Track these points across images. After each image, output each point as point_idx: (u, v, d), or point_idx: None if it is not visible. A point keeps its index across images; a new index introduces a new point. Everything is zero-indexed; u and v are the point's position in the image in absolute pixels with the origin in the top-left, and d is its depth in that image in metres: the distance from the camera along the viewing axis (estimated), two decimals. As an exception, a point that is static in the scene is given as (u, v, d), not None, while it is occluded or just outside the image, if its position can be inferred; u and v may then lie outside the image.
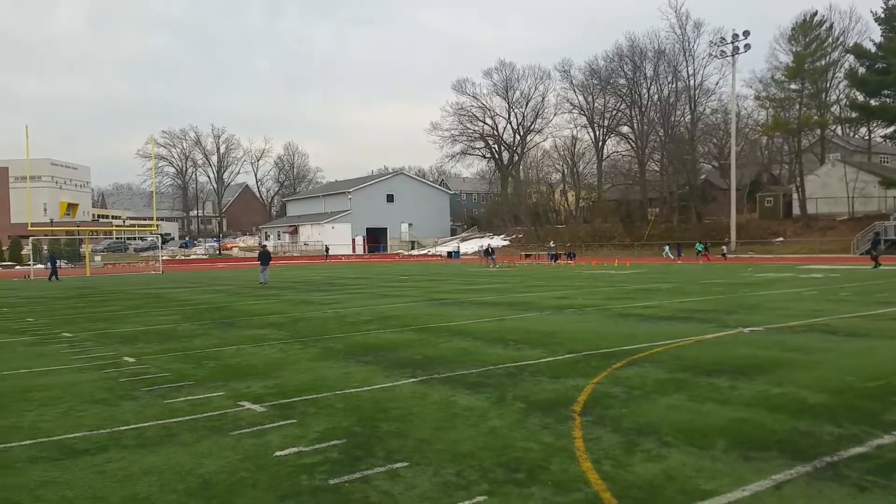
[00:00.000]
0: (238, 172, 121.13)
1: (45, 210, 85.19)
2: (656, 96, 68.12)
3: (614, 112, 73.95)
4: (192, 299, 20.96)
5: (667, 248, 50.55)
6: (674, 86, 65.90)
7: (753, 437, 5.33)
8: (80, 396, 7.36)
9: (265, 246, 37.63)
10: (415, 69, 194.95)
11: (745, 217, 59.57)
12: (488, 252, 44.95)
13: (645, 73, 68.10)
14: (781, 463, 4.71)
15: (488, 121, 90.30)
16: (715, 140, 69.74)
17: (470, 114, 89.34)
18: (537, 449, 5.12)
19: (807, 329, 11.23)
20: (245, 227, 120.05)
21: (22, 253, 67.76)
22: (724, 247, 48.56)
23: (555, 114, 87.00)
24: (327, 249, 71.37)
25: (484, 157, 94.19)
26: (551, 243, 60.77)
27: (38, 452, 5.39)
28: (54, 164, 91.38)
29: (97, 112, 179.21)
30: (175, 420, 6.27)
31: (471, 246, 75.74)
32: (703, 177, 70.52)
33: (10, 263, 65.60)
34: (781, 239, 53.34)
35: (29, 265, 61.49)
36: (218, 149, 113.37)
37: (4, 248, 68.07)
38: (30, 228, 46.40)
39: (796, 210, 56.86)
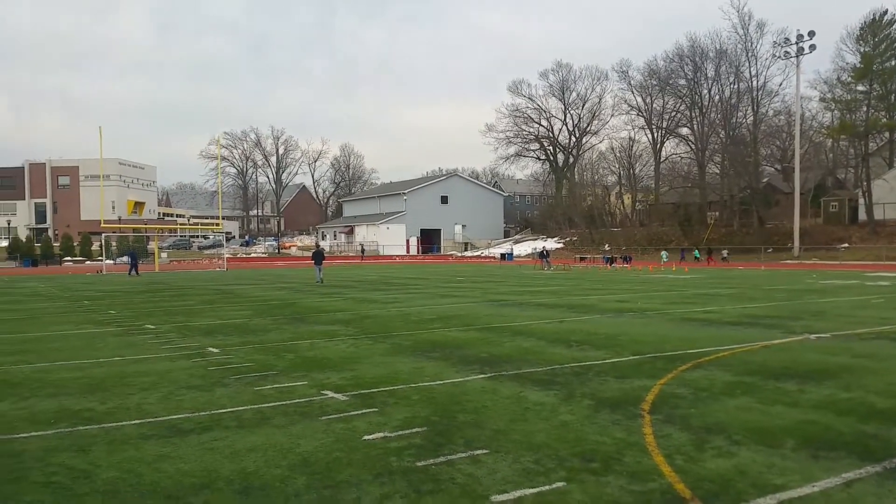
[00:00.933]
0: (296, 173, 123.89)
1: (113, 208, 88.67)
2: (717, 97, 66.85)
3: (673, 113, 72.94)
4: (260, 296, 21.78)
5: (664, 253, 50.36)
6: (735, 87, 64.52)
7: (822, 438, 5.48)
8: (176, 382, 7.95)
9: (319, 246, 38.87)
10: (467, 70, 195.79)
11: (809, 222, 57.93)
12: (543, 254, 44.98)
13: (706, 74, 66.93)
14: (850, 463, 4.87)
15: (543, 122, 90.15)
16: (778, 143, 68.08)
17: (525, 115, 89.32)
18: (609, 443, 5.40)
19: (875, 336, 11.12)
20: (302, 226, 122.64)
21: (92, 249, 70.97)
22: (724, 251, 49.13)
23: (612, 115, 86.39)
24: (363, 249, 72.80)
25: (538, 158, 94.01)
26: (606, 246, 60.35)
27: (149, 431, 5.93)
28: (122, 163, 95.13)
29: (159, 113, 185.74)
30: (267, 405, 6.76)
31: (524, 248, 75.72)
32: (765, 180, 68.85)
33: (80, 259, 68.81)
34: (846, 245, 51.67)
35: (99, 260, 64.43)
36: (277, 150, 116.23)
37: (76, 243, 71.39)
38: (102, 225, 48.56)
39: (862, 215, 54.99)
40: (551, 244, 70.67)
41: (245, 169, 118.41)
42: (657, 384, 7.47)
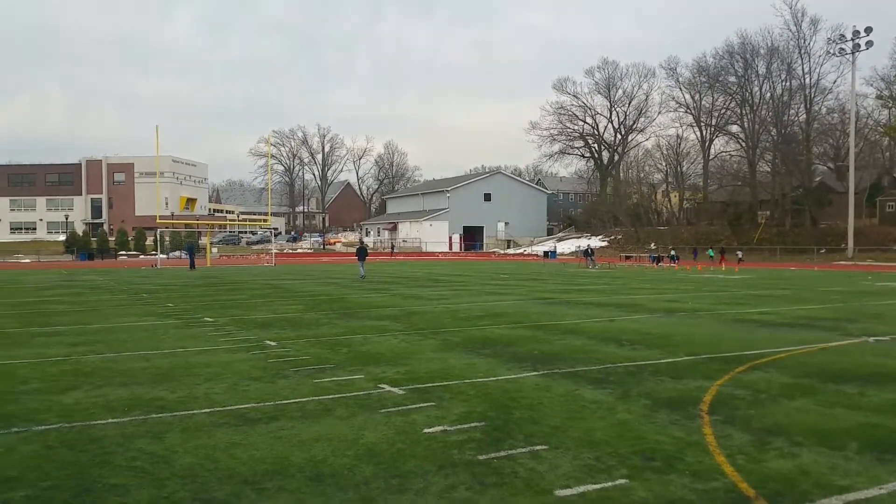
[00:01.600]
0: (341, 170, 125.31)
1: (166, 204, 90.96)
2: (768, 94, 65.26)
3: (723, 110, 71.48)
4: (310, 291, 22.19)
5: (672, 252, 49.58)
6: (787, 84, 62.92)
7: (887, 440, 5.42)
8: (239, 373, 8.23)
9: (363, 242, 39.51)
10: (510, 69, 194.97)
11: (864, 222, 56.20)
12: (588, 253, 44.65)
13: (757, 71, 65.41)
14: (918, 467, 4.81)
15: (589, 120, 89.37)
16: (831, 141, 66.08)
17: (570, 113, 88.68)
18: (669, 442, 5.43)
19: (939, 341, 10.83)
20: (346, 223, 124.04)
21: (146, 243, 73.08)
22: (739, 252, 47.99)
23: (659, 112, 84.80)
24: (393, 246, 73.36)
25: (583, 156, 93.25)
26: (652, 245, 59.50)
27: (219, 419, 6.18)
28: (176, 161, 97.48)
29: (210, 112, 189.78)
30: (327, 397, 6.96)
31: (567, 246, 75.19)
32: (818, 179, 66.98)
33: (134, 253, 70.89)
34: (904, 246, 50.00)
35: (153, 255, 66.27)
36: (323, 147, 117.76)
37: (130, 238, 73.56)
38: (158, 221, 49.96)
39: (921, 216, 53.14)
40: (595, 242, 70.03)
41: (292, 166, 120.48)
42: (714, 385, 7.44)
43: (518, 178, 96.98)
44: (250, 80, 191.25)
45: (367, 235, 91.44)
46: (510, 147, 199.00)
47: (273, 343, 10.65)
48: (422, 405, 6.61)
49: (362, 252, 30.87)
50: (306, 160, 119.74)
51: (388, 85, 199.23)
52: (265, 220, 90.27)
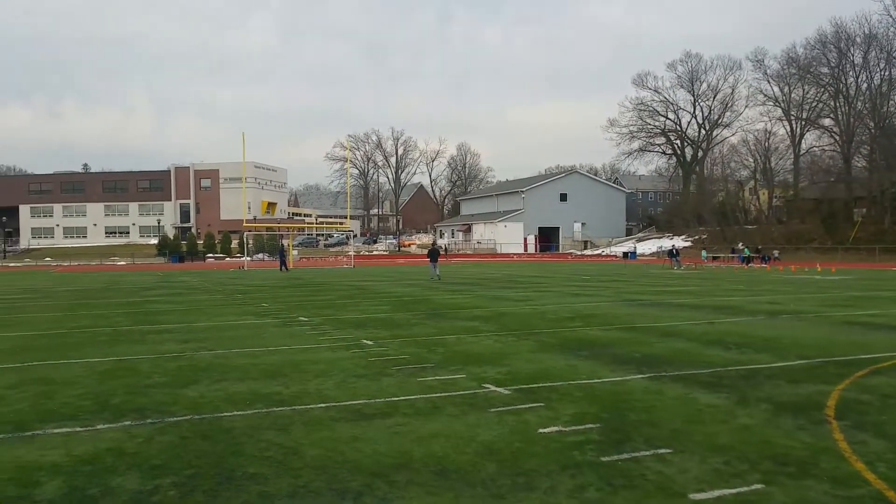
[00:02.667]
0: (414, 173, 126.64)
1: (249, 208, 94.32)
2: (865, 85, 62.07)
3: (814, 103, 68.26)
4: (393, 292, 22.51)
5: (703, 251, 47.11)
6: (887, 74, 59.59)
7: None
8: (345, 371, 8.43)
9: (436, 244, 40.06)
10: (582, 66, 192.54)
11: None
12: (672, 253, 43.51)
13: (852, 61, 62.24)
14: None
15: (671, 115, 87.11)
16: (936, 133, 62.08)
17: (651, 109, 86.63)
18: (800, 447, 5.22)
19: None
20: (419, 225, 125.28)
21: (231, 246, 75.95)
22: (775, 251, 47.56)
23: (745, 106, 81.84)
24: (445, 248, 73.83)
25: (664, 153, 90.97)
26: (739, 245, 57.38)
27: (336, 414, 6.35)
28: (258, 166, 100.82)
29: (284, 118, 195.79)
30: (435, 395, 7.04)
31: (648, 246, 73.47)
32: (920, 174, 63.02)
33: (221, 255, 73.80)
34: None
35: (238, 257, 68.76)
36: (396, 150, 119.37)
37: (217, 241, 76.60)
38: (245, 224, 51.83)
39: None
40: (678, 242, 68.15)
41: (366, 169, 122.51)
42: (835, 390, 7.11)
43: (595, 178, 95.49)
44: (322, 86, 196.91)
45: (441, 237, 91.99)
46: (582, 146, 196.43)
47: (370, 342, 10.86)
48: (531, 405, 6.59)
49: (434, 254, 31.26)
50: (380, 163, 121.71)
51: (457, 86, 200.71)
52: (341, 223, 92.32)
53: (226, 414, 6.35)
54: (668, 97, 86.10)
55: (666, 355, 9.49)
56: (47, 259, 74.13)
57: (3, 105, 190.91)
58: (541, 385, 7.54)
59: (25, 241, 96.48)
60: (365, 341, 10.97)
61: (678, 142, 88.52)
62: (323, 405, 6.68)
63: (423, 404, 6.68)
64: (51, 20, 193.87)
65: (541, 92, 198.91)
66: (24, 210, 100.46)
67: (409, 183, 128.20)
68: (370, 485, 4.47)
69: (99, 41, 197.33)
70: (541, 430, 5.74)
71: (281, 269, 40.91)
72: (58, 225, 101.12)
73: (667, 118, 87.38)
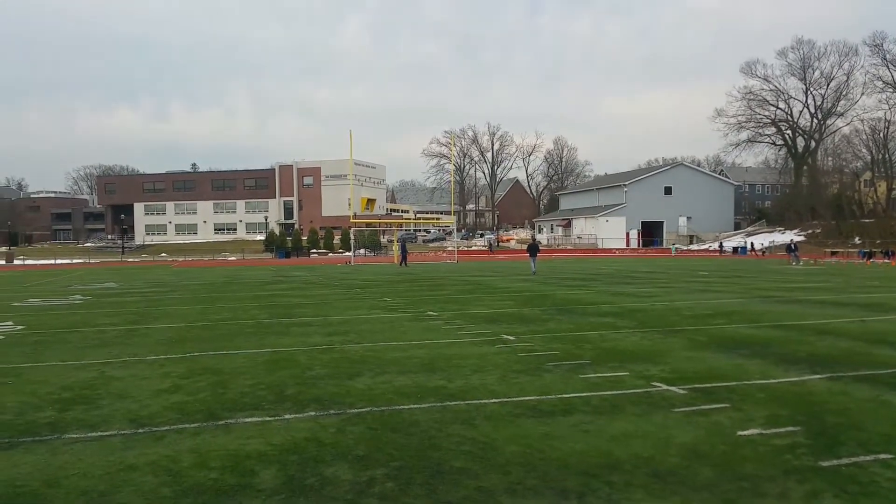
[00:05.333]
0: (510, 168, 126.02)
1: (349, 204, 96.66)
2: None
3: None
4: (509, 287, 22.35)
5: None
6: None
7: None
8: (500, 366, 8.35)
9: (535, 239, 40.02)
10: (679, 56, 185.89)
11: None
12: (791, 248, 41.24)
13: None
14: None
15: (781, 105, 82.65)
16: None
17: (760, 98, 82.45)
18: None
19: None
20: (515, 220, 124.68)
21: (333, 242, 78.11)
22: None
23: (862, 94, 76.55)
24: (490, 244, 73.45)
25: (774, 143, 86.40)
26: (856, 239, 53.73)
27: (512, 409, 6.26)
28: (357, 163, 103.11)
29: (380, 115, 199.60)
30: (606, 393, 6.83)
31: (758, 241, 70.10)
32: None
33: (324, 251, 76.02)
34: None
35: (340, 252, 70.62)
36: (492, 145, 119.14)
37: (320, 237, 78.95)
38: (352, 221, 53.22)
39: None
40: (790, 237, 64.58)
41: (462, 165, 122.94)
42: None
43: (701, 170, 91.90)
44: (415, 83, 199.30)
45: (539, 232, 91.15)
46: (682, 137, 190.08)
47: (511, 337, 10.74)
48: (715, 406, 6.27)
49: (534, 248, 31.71)
50: (476, 158, 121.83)
51: (549, 79, 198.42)
52: (438, 219, 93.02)
53: (403, 407, 6.38)
54: (778, 86, 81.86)
55: (833, 354, 8.89)
56: (162, 254, 78.60)
57: (114, 108, 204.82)
58: (715, 385, 7.18)
59: (140, 237, 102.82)
60: (505, 336, 10.87)
61: (789, 132, 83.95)
62: (496, 400, 6.60)
63: (598, 402, 6.48)
64: (158, 26, 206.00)
65: (636, 83, 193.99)
66: (139, 208, 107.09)
67: (504, 178, 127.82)
68: (588, 485, 4.34)
69: (203, 45, 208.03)
70: (740, 433, 5.43)
71: (401, 264, 41.72)
72: (170, 222, 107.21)
73: (777, 107, 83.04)
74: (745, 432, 5.45)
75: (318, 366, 8.54)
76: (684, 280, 25.17)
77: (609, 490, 4.25)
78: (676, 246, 68.79)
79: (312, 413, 6.22)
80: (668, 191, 79.69)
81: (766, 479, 4.40)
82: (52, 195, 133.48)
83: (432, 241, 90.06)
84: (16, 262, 64.95)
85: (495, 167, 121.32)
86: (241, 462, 4.88)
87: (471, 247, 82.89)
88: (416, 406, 6.41)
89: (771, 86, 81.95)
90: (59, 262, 64.13)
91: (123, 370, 8.51)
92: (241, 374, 8.07)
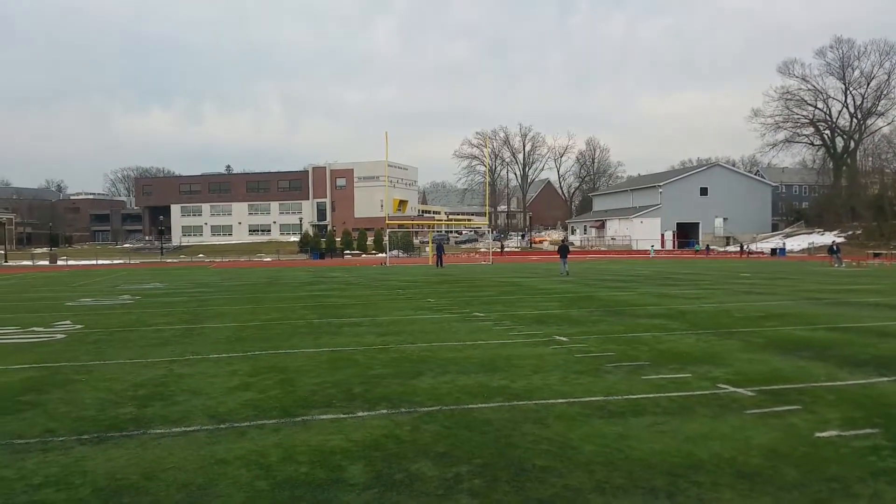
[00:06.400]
0: (542, 168, 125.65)
1: (381, 206, 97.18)
2: None
3: None
4: (550, 288, 22.32)
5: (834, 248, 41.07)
6: None
7: None
8: (559, 367, 8.39)
9: (565, 240, 40.05)
10: (713, 56, 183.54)
11: None
12: (833, 249, 40.49)
13: None
14: None
15: (819, 104, 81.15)
16: None
17: (797, 98, 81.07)
18: None
19: None
20: (546, 221, 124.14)
21: (366, 243, 78.66)
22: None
23: (904, 91, 74.84)
24: (502, 246, 74.20)
25: (812, 144, 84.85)
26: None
27: (580, 410, 6.30)
28: (390, 165, 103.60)
29: (409, 117, 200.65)
30: (674, 395, 6.84)
31: (797, 242, 68.95)
32: None
33: (357, 252, 76.57)
34: None
35: (373, 253, 71.11)
36: (524, 146, 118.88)
37: (353, 238, 79.55)
38: (387, 222, 53.63)
39: None
40: (830, 238, 63.30)
41: (494, 166, 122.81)
42: None
43: (738, 171, 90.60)
44: (444, 85, 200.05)
45: (572, 233, 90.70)
46: (715, 137, 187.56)
47: (564, 339, 10.76)
48: (787, 408, 6.25)
49: (564, 250, 32.01)
50: (507, 159, 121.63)
51: (581, 80, 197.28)
52: (469, 220, 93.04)
53: (472, 406, 6.47)
54: (816, 85, 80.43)
55: (899, 358, 8.76)
56: (200, 255, 79.86)
57: (148, 110, 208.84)
58: (782, 387, 7.14)
59: (177, 238, 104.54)
60: (558, 337, 10.89)
61: (828, 132, 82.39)
62: (562, 400, 6.65)
63: (667, 404, 6.49)
64: (191, 28, 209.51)
65: (669, 83, 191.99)
66: (176, 209, 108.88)
67: (536, 179, 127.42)
68: (675, 484, 4.37)
69: (235, 48, 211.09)
70: (818, 435, 5.41)
71: (438, 264, 41.97)
72: (206, 223, 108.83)
73: (815, 107, 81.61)
74: (823, 434, 5.43)
75: (379, 365, 8.66)
76: (727, 281, 24.88)
77: (698, 490, 4.28)
78: (654, 247, 68.55)
79: (384, 411, 6.33)
80: (703, 191, 78.71)
81: (855, 481, 4.39)
82: (91, 197, 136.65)
83: (464, 242, 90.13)
84: (59, 262, 66.60)
85: (527, 168, 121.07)
86: (327, 457, 5.01)
87: (503, 248, 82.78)
88: (484, 405, 6.49)
89: (809, 85, 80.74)
90: (100, 262, 65.58)
91: (190, 368, 8.74)
92: (306, 373, 8.23)
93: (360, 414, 6.26)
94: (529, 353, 9.39)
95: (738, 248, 66.16)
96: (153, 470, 4.81)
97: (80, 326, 13.55)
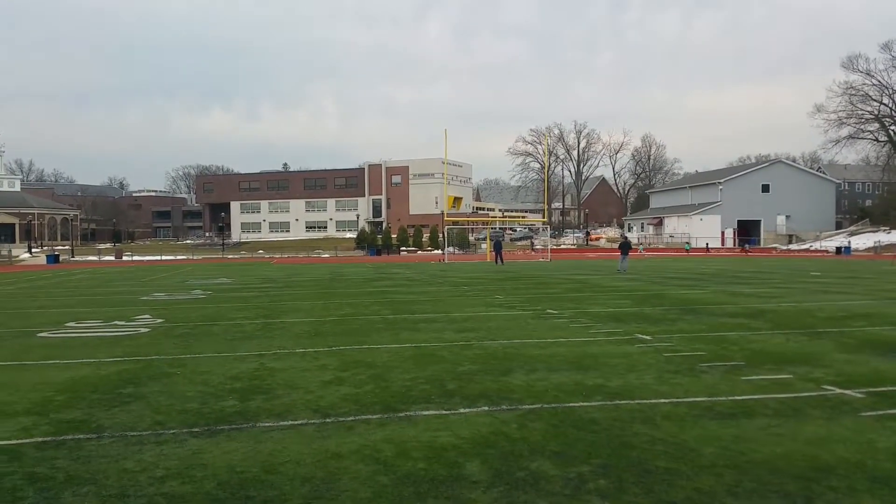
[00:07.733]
0: (596, 166, 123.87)
1: (436, 203, 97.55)
2: None
3: None
4: (616, 286, 22.00)
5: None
6: None
7: None
8: (651, 366, 8.26)
9: (626, 237, 39.49)
10: (770, 50, 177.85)
11: None
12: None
13: None
14: None
15: (885, 100, 77.81)
16: None
17: (862, 93, 77.90)
18: None
19: None
20: (601, 218, 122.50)
21: (422, 240, 79.09)
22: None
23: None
24: (532, 244, 74.02)
25: (877, 140, 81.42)
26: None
27: (687, 410, 6.19)
28: (444, 162, 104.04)
29: (461, 115, 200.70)
30: (780, 396, 6.65)
31: (863, 241, 66.36)
32: None
33: (413, 248, 77.04)
34: None
35: (429, 250, 71.39)
36: (578, 143, 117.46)
37: (409, 235, 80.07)
38: (446, 219, 53.86)
39: None
40: (901, 237, 60.74)
41: (548, 163, 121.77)
42: None
43: (800, 167, 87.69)
44: (495, 83, 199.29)
45: (629, 231, 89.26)
46: (773, 133, 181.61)
47: (647, 337, 10.59)
48: (904, 411, 6.01)
49: (625, 246, 31.74)
50: (562, 157, 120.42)
51: (633, 76, 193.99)
52: (524, 217, 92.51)
53: (575, 404, 6.41)
54: (882, 80, 77.09)
55: None
56: (259, 251, 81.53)
57: (209, 109, 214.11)
58: (890, 389, 6.87)
59: (236, 234, 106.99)
60: (639, 335, 10.73)
61: (893, 128, 78.90)
62: (665, 400, 6.54)
63: (776, 405, 6.31)
64: (250, 30, 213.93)
65: (724, 78, 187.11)
66: (235, 206, 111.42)
67: (590, 176, 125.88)
68: (809, 489, 4.25)
69: (291, 48, 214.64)
70: (946, 441, 5.18)
71: (497, 261, 41.93)
72: (264, 220, 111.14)
73: (881, 103, 78.20)
74: (953, 441, 5.20)
75: (466, 362, 8.67)
76: (797, 280, 24.10)
77: (834, 494, 4.14)
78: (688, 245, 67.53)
79: (485, 408, 6.33)
80: (765, 188, 76.45)
81: None
82: (153, 194, 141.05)
83: (519, 239, 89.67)
84: (124, 257, 68.97)
85: (581, 165, 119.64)
86: (441, 453, 5.02)
87: (559, 245, 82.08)
88: (586, 404, 6.42)
89: (874, 80, 77.40)
90: (164, 258, 67.62)
91: (280, 362, 8.91)
92: (394, 368, 8.29)
93: (461, 410, 6.26)
94: (616, 352, 9.27)
95: (740, 247, 64.57)
96: (272, 464, 4.88)
97: (160, 321, 13.94)
